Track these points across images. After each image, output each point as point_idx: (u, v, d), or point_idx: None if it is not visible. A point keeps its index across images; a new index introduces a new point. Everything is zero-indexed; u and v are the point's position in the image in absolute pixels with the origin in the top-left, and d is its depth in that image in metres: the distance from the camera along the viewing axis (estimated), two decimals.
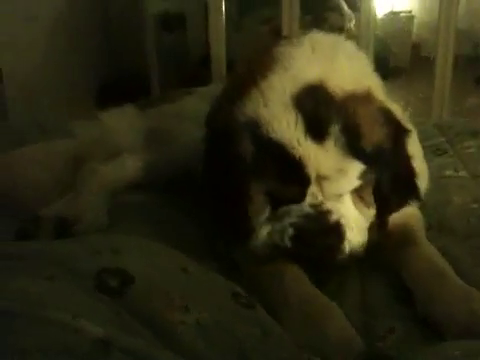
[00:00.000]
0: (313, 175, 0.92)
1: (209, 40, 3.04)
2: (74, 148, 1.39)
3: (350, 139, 0.91)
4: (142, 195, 1.30)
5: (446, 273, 0.96)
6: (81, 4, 3.59)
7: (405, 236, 1.06)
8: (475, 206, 1.31)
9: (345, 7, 4.69)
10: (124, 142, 1.37)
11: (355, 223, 0.97)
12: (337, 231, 0.95)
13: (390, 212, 1.04)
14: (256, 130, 0.92)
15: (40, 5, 3.00)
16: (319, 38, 1.06)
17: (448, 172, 1.54)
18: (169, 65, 3.83)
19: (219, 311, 0.77)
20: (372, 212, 1.00)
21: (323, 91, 0.93)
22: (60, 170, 1.32)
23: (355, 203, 0.98)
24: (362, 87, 0.97)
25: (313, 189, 0.93)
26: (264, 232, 0.98)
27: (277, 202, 0.96)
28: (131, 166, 1.32)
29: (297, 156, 0.90)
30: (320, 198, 0.94)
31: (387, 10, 5.29)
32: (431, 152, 1.65)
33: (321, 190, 0.93)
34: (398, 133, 1.00)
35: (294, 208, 0.94)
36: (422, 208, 1.18)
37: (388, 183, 0.98)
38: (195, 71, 3.76)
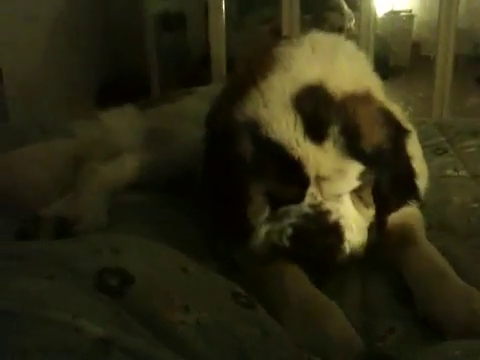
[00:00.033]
0: (312, 175, 0.92)
1: (209, 40, 3.04)
2: (74, 148, 1.39)
3: (349, 140, 0.91)
4: (142, 195, 1.30)
5: (446, 273, 0.96)
6: (81, 4, 3.59)
7: (405, 236, 1.06)
8: (475, 206, 1.31)
9: (345, 6, 4.69)
10: (124, 142, 1.37)
11: (354, 223, 0.97)
12: (336, 231, 0.95)
13: (389, 212, 1.04)
14: (256, 130, 0.93)
15: (40, 5, 3.00)
16: (319, 38, 1.06)
17: (448, 171, 1.54)
18: (169, 65, 3.83)
19: (219, 311, 0.77)
20: (371, 212, 1.01)
21: (322, 92, 0.93)
22: (60, 170, 1.32)
23: (354, 203, 0.98)
24: (362, 87, 0.97)
25: (312, 189, 0.93)
26: (263, 232, 0.98)
27: (276, 202, 0.96)
28: (131, 166, 1.32)
29: (296, 156, 0.90)
30: (319, 198, 0.94)
31: (387, 9, 5.29)
32: (431, 151, 1.65)
33: (320, 190, 0.93)
34: (398, 133, 1.00)
35: (293, 208, 0.94)
36: (422, 208, 1.18)
37: (388, 183, 0.98)
38: (195, 71, 3.76)
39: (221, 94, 1.08)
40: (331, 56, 1.00)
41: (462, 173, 1.53)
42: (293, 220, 0.94)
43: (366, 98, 0.96)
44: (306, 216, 0.93)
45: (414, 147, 1.12)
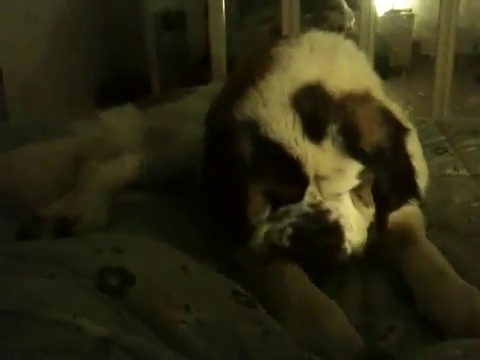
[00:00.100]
0: (311, 175, 0.92)
1: (209, 39, 3.04)
2: (74, 147, 1.39)
3: (348, 139, 0.91)
4: (142, 195, 1.31)
5: (446, 272, 0.96)
6: (81, 4, 3.59)
7: (405, 235, 1.06)
8: (476, 205, 1.31)
9: (345, 6, 4.69)
10: (124, 141, 1.37)
11: (354, 222, 0.97)
12: (336, 230, 0.95)
13: (390, 211, 1.04)
14: (255, 130, 0.93)
15: (40, 5, 3.01)
16: (318, 38, 1.06)
17: (448, 171, 1.54)
18: (169, 64, 3.83)
19: (220, 310, 0.77)
20: (371, 211, 1.01)
21: (321, 91, 0.93)
22: (60, 170, 1.32)
23: (354, 202, 0.98)
24: (361, 87, 0.97)
25: (312, 189, 0.93)
26: (263, 232, 0.98)
27: (276, 202, 0.96)
28: (131, 165, 1.32)
29: (295, 156, 0.90)
30: (319, 198, 0.94)
31: (387, 8, 5.30)
32: (431, 151, 1.65)
33: (320, 190, 0.93)
34: (397, 132, 1.00)
35: (293, 208, 0.95)
36: (423, 207, 1.18)
37: (387, 182, 0.98)
38: (195, 70, 3.76)
39: (221, 93, 1.08)
40: (330, 55, 1.00)
41: (462, 172, 1.53)
42: (293, 220, 0.94)
43: (365, 97, 0.96)
44: (306, 215, 0.93)
45: (414, 146, 1.12)
